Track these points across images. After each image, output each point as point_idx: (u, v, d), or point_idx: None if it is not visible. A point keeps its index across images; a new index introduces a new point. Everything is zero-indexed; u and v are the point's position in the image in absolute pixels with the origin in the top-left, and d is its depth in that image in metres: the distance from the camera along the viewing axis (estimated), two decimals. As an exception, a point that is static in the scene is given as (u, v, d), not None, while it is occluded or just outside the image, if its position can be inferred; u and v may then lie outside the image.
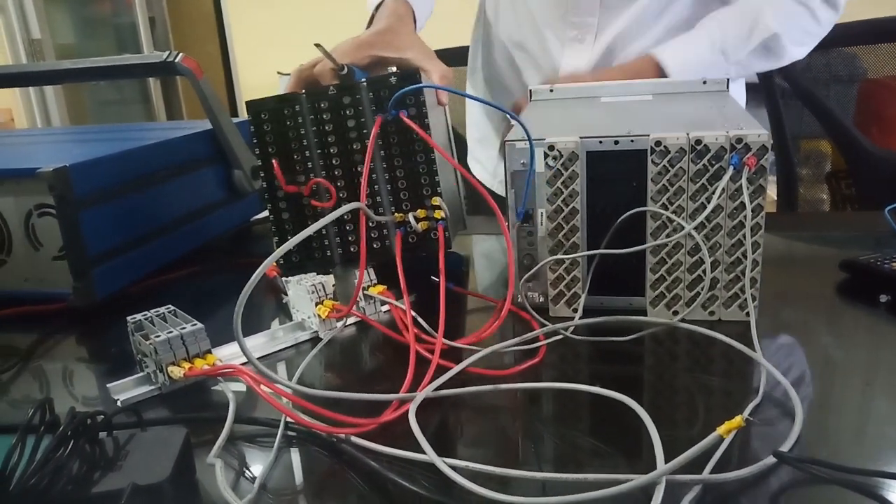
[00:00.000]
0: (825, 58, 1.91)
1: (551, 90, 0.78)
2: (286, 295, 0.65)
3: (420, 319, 0.57)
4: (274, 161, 0.62)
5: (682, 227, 0.56)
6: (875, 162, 1.39)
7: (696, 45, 0.87)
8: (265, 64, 3.29)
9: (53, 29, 3.20)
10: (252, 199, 0.96)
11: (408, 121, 0.58)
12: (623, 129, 0.58)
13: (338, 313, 0.59)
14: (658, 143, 0.56)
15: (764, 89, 1.45)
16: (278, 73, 3.09)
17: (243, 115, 0.79)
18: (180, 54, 0.83)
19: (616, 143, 0.57)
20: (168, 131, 0.90)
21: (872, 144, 1.41)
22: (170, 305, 0.57)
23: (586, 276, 0.61)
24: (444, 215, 0.60)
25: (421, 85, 0.58)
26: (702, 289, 0.58)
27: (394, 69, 0.61)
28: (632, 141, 0.57)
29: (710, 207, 0.54)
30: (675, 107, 0.69)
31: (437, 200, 0.60)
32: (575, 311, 0.61)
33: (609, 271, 0.61)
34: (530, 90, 0.79)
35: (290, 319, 0.64)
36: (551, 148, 0.58)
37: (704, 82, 0.75)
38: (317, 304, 0.60)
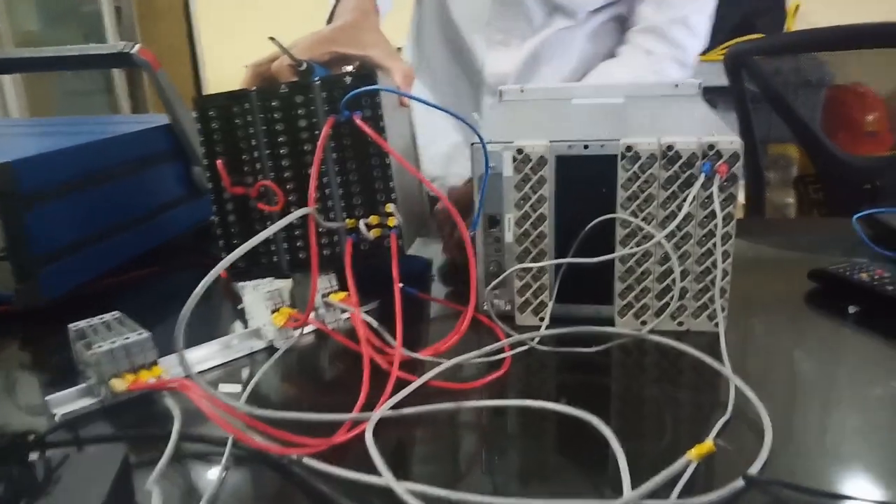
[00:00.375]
0: (794, 62, 1.92)
1: (521, 90, 0.76)
2: (242, 300, 0.62)
3: (380, 329, 0.55)
4: (218, 161, 0.59)
5: (652, 236, 0.55)
6: (842, 167, 1.39)
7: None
8: (232, 57, 3.23)
9: (14, 16, 3.10)
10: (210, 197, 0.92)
11: (360, 123, 0.56)
12: (593, 133, 0.57)
13: (295, 322, 0.57)
14: (629, 148, 0.54)
15: (734, 93, 1.45)
16: (245, 66, 3.04)
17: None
18: (137, 45, 0.79)
19: (586, 147, 0.56)
20: (125, 125, 0.86)
21: (839, 150, 1.42)
22: (116, 311, 0.54)
23: (554, 284, 0.59)
24: (397, 223, 0.58)
25: (375, 87, 0.56)
26: (671, 299, 0.57)
27: (352, 68, 0.59)
28: (602, 146, 0.55)
29: (680, 216, 0.52)
30: (646, 111, 0.68)
31: (390, 207, 0.58)
32: (542, 319, 0.59)
33: (577, 279, 0.59)
34: (500, 90, 0.77)
35: (246, 326, 0.61)
36: (519, 151, 0.56)
37: (676, 86, 0.73)
38: (273, 312, 0.57)
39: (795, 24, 2.57)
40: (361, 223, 0.58)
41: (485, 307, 0.61)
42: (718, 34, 2.44)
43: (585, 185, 0.57)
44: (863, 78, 1.96)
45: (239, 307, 0.62)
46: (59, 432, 0.42)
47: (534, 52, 0.95)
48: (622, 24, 0.96)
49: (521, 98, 0.76)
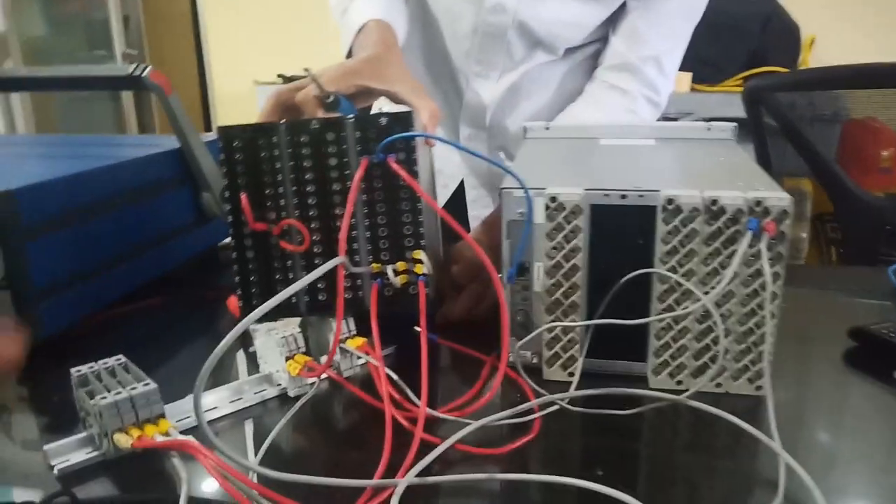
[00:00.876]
0: (809, 97, 1.90)
1: (547, 128, 0.73)
2: (253, 342, 0.59)
3: (401, 383, 0.52)
4: (243, 195, 0.56)
5: (691, 292, 0.52)
6: (861, 206, 1.37)
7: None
8: (242, 71, 3.22)
9: (20, 22, 3.08)
10: (219, 222, 0.90)
11: (396, 167, 0.53)
12: (629, 180, 0.54)
13: (310, 372, 0.53)
14: (670, 200, 0.51)
15: (751, 126, 1.43)
16: (255, 81, 3.02)
17: (218, 122, 0.73)
18: (149, 67, 0.76)
19: (623, 197, 0.53)
20: (132, 149, 0.84)
21: (857, 187, 1.40)
22: (121, 356, 0.51)
23: (585, 338, 0.56)
24: (426, 271, 0.55)
25: (416, 134, 0.53)
26: (710, 359, 0.54)
27: (382, 105, 0.56)
28: (641, 196, 0.52)
29: (727, 277, 0.49)
30: (681, 156, 0.65)
31: (419, 254, 0.55)
32: (571, 374, 0.56)
33: (609, 334, 0.56)
34: (524, 126, 0.74)
35: (257, 369, 0.58)
36: (553, 199, 0.53)
37: (709, 128, 0.71)
38: (287, 359, 0.54)
39: (811, 56, 2.56)
40: (389, 269, 0.55)
41: (511, 359, 0.58)
42: (732, 66, 2.44)
43: (621, 235, 0.54)
44: (878, 113, 1.94)
45: (250, 349, 0.59)
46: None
47: (513, 86, 0.94)
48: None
49: (547, 136, 0.73)
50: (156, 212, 0.80)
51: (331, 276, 0.52)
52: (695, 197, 0.51)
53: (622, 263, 0.54)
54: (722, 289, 0.50)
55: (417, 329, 0.57)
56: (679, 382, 0.55)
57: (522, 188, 0.53)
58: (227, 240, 0.84)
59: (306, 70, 0.60)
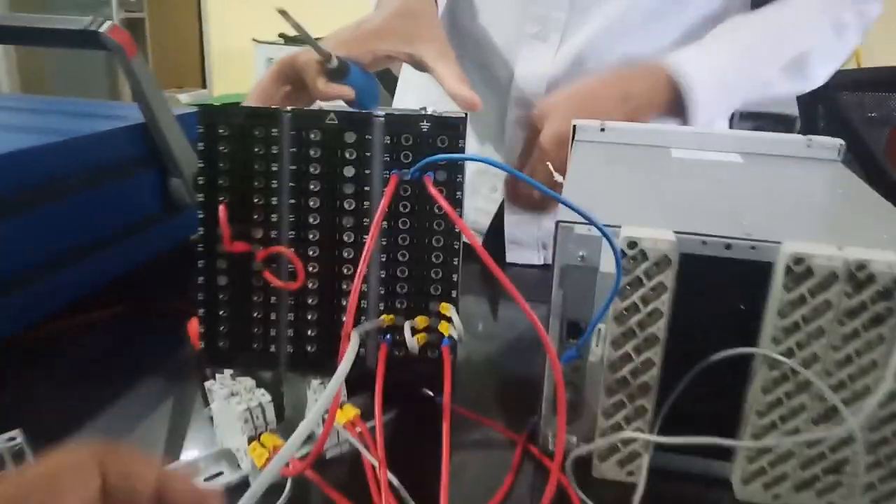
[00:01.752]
0: (859, 98, 1.75)
1: (602, 129, 0.58)
2: (209, 401, 0.44)
3: (402, 491, 0.38)
4: (221, 205, 0.41)
5: (809, 383, 0.37)
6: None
7: (717, 58, 0.67)
8: (241, 26, 3.02)
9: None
10: (190, 214, 0.74)
11: (434, 192, 0.38)
12: (726, 219, 0.40)
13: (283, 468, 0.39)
14: (798, 260, 0.36)
15: (806, 127, 1.28)
16: (254, 40, 2.83)
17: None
18: (108, 22, 0.61)
19: (728, 247, 0.38)
20: (94, 121, 0.69)
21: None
22: (16, 433, 0.36)
23: (654, 428, 0.42)
24: (454, 333, 0.40)
25: (469, 157, 0.38)
26: (824, 470, 0.40)
27: (430, 108, 0.41)
28: (753, 248, 0.38)
29: (888, 382, 0.35)
30: (786, 185, 0.50)
31: (448, 309, 0.41)
32: (630, 474, 0.42)
33: (685, 422, 0.42)
34: (574, 125, 0.59)
35: (216, 437, 0.44)
36: (632, 245, 0.38)
37: (809, 144, 0.55)
38: (250, 440, 0.40)
39: (863, 59, 2.41)
40: (407, 325, 0.40)
41: (550, 446, 0.44)
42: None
43: (716, 298, 0.39)
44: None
45: (207, 409, 0.45)
46: None
47: (579, 55, 0.73)
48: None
49: (601, 139, 0.58)
50: (113, 200, 0.65)
51: (326, 321, 0.38)
52: (834, 258, 0.36)
53: (713, 335, 0.40)
54: (876, 404, 0.35)
55: (428, 392, 0.43)
56: (776, 497, 0.41)
57: (591, 224, 0.38)
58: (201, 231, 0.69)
59: (281, 12, 0.45)
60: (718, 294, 0.39)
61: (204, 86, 3.54)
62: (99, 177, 0.63)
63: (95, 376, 0.53)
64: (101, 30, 0.60)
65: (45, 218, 0.57)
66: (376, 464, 0.38)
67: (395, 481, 0.38)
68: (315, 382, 0.42)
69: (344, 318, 0.42)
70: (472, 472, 0.44)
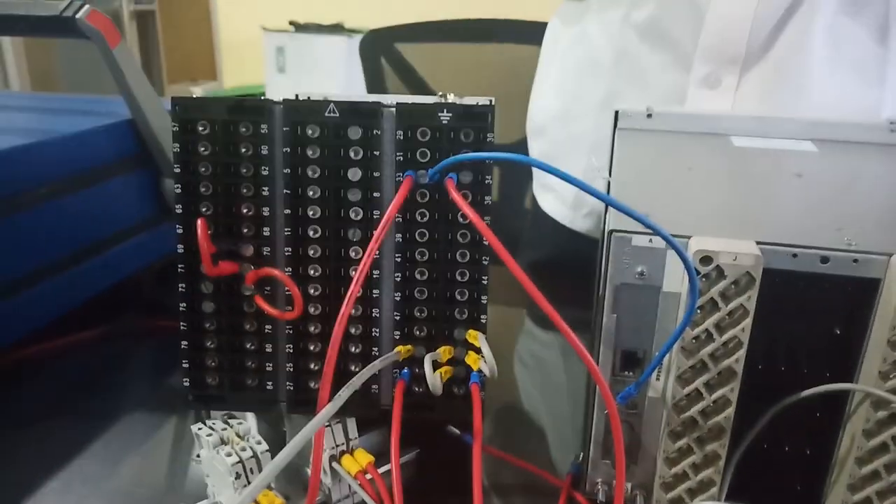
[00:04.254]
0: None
1: (649, 115, 0.50)
2: (199, 449, 0.38)
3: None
4: (200, 219, 0.35)
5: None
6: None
7: None
8: (249, 14, 2.95)
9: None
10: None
11: (457, 197, 0.31)
12: (813, 223, 0.32)
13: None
14: (918, 277, 0.29)
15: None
16: (263, 28, 2.76)
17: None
18: (85, 6, 0.54)
19: (825, 261, 0.31)
20: (73, 119, 0.62)
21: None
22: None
23: (726, 476, 0.35)
24: (485, 368, 0.33)
25: (499, 155, 0.31)
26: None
27: (450, 96, 0.34)
28: (855, 261, 0.31)
29: None
30: (872, 175, 0.43)
31: (476, 337, 0.34)
32: (698, 531, 0.35)
33: (761, 468, 0.35)
34: (616, 112, 0.51)
35: (206, 490, 0.37)
36: (706, 261, 0.31)
37: (893, 127, 0.48)
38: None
39: None
40: (428, 357, 0.33)
41: (598, 493, 0.37)
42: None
43: (804, 321, 0.32)
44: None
45: (196, 457, 0.38)
46: None
47: None
48: None
49: (649, 128, 0.50)
50: (98, 205, 0.58)
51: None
52: (965, 275, 0.29)
53: (800, 367, 0.33)
54: None
55: (454, 430, 0.37)
56: (879, 559, 0.34)
57: (655, 234, 0.31)
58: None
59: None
60: (808, 317, 0.32)
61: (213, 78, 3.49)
62: (81, 180, 0.57)
63: (73, 409, 0.47)
64: (78, 15, 0.54)
65: (26, 226, 0.51)
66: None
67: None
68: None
69: (353, 349, 0.36)
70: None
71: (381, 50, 1.21)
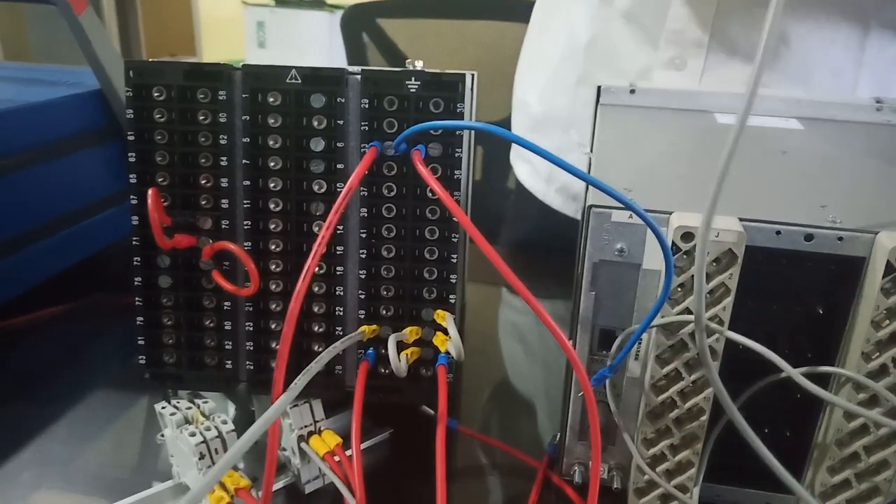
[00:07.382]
0: None
1: (632, 90, 0.49)
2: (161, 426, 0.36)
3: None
4: (151, 190, 0.33)
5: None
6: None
7: None
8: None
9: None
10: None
11: (424, 170, 0.30)
12: (797, 203, 0.31)
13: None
14: (903, 256, 0.28)
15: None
16: (243, 2, 2.71)
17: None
18: (49, -29, 0.52)
19: (809, 239, 0.30)
20: (37, 89, 0.60)
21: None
22: None
23: (703, 457, 0.34)
24: (452, 350, 0.32)
25: (469, 124, 0.30)
26: (918, 512, 0.32)
27: (419, 62, 0.33)
28: (840, 239, 0.30)
29: None
30: (857, 153, 0.42)
31: (443, 317, 0.33)
32: (675, 513, 0.34)
33: (737, 449, 0.34)
34: (599, 87, 0.50)
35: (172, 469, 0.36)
36: (687, 237, 0.30)
37: (879, 107, 0.47)
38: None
39: None
40: (392, 338, 0.32)
41: (576, 478, 0.36)
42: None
43: (784, 301, 0.31)
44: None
45: (160, 436, 0.37)
46: None
47: None
48: None
49: (632, 104, 0.49)
50: (64, 178, 0.57)
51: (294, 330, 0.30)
52: (951, 254, 0.28)
53: (780, 348, 0.32)
54: None
55: (429, 411, 0.36)
56: (856, 543, 0.33)
57: (631, 210, 0.30)
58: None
59: None
60: (789, 297, 0.31)
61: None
62: (45, 152, 0.55)
63: (36, 388, 0.45)
64: (42, -21, 0.52)
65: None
66: (354, 502, 0.30)
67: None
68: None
69: (316, 328, 0.35)
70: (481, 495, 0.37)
71: (363, 25, 1.18)
